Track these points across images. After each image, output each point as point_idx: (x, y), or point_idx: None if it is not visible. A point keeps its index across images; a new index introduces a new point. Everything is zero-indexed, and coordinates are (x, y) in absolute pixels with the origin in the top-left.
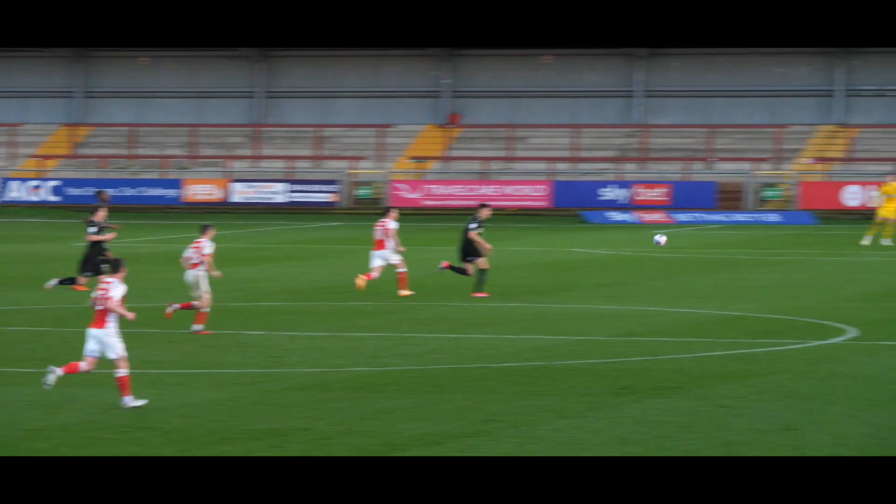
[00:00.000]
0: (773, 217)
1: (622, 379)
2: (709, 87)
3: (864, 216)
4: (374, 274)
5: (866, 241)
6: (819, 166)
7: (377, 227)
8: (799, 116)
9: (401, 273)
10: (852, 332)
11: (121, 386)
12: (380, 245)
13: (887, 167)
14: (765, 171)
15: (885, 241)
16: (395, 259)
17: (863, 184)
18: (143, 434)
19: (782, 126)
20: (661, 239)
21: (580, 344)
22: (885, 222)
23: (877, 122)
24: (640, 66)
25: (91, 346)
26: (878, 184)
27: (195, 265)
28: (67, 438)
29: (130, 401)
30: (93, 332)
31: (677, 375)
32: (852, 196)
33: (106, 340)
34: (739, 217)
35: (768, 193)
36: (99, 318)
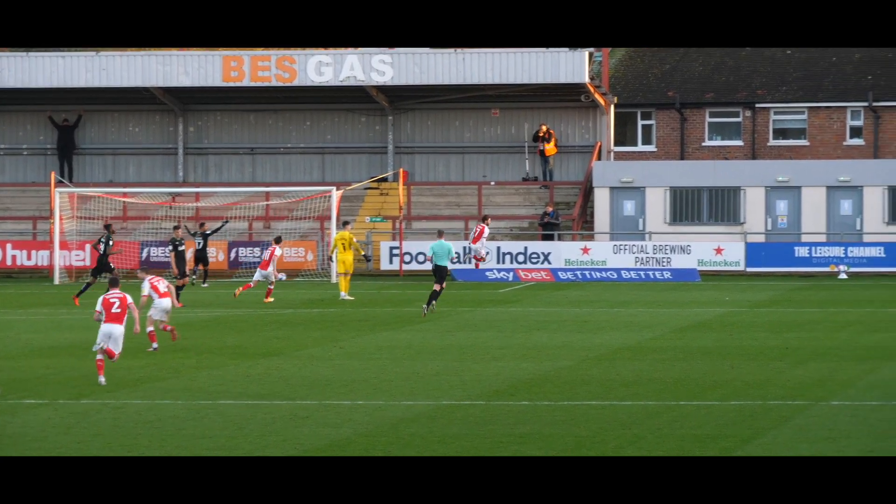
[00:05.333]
0: None
1: None
2: None
3: None
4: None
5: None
6: None
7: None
8: None
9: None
10: None
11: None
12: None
13: (26, 225)
14: None
15: (344, 296)
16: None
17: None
18: None
19: None
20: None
21: None
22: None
23: None
24: None
25: (103, 340)
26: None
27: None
28: None
29: (103, 380)
30: (110, 327)
31: None
32: None
33: (119, 336)
34: None
35: None
36: (117, 318)
